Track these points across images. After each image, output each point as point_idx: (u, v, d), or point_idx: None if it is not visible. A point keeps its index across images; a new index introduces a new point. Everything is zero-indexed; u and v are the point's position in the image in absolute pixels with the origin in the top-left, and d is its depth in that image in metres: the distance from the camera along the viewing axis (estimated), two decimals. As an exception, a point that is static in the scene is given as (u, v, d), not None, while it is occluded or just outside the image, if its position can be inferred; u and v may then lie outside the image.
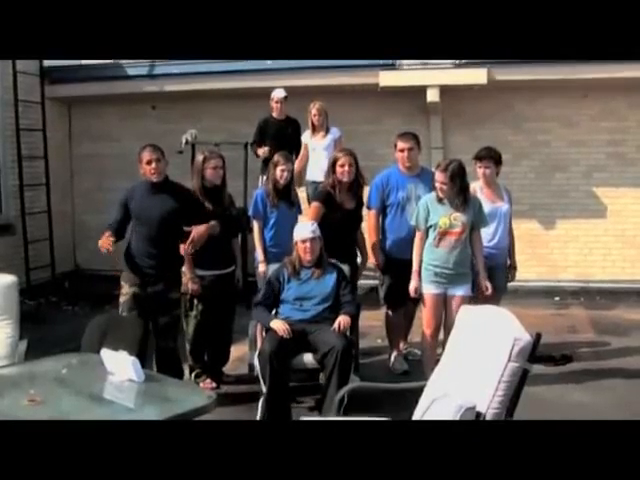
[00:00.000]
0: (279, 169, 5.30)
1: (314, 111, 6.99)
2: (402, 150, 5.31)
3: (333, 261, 4.78)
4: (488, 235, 5.13)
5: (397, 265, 5.19)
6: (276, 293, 4.64)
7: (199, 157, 5.09)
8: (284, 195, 5.36)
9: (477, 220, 4.81)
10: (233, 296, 5.24)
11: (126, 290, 4.63)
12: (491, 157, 5.24)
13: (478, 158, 5.25)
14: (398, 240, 5.27)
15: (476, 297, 4.84)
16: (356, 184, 5.22)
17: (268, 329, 4.48)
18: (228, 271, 5.14)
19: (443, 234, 4.73)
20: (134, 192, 4.69)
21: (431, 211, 4.78)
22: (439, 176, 4.71)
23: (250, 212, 5.48)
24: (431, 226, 4.77)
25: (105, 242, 4.36)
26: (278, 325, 4.39)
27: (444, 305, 4.83)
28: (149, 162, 4.58)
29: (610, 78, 7.23)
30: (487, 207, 5.07)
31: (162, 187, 4.65)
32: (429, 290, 4.82)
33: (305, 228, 4.72)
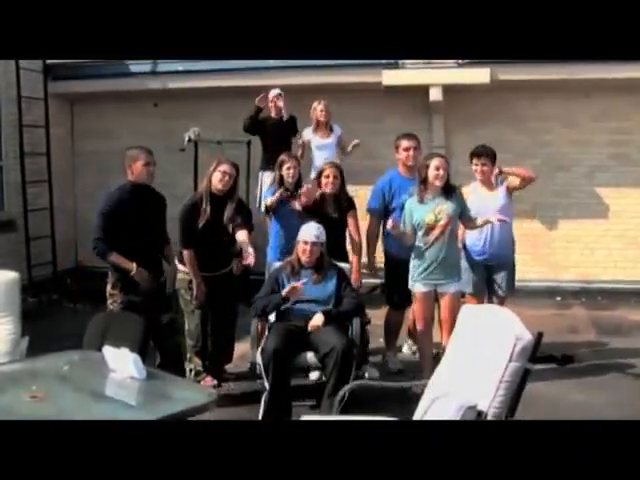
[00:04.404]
0: (285, 167, 5.33)
1: (321, 107, 6.89)
2: (407, 149, 5.34)
3: (334, 262, 4.80)
4: (486, 234, 5.14)
5: (399, 266, 5.19)
6: (275, 293, 4.63)
7: (214, 162, 5.08)
8: (292, 195, 5.36)
9: (463, 209, 4.86)
10: (234, 296, 5.24)
11: (121, 298, 4.60)
12: (488, 155, 5.26)
13: (476, 155, 5.27)
14: (398, 243, 5.28)
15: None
16: (341, 196, 5.31)
17: (271, 325, 4.49)
18: (224, 272, 5.13)
19: (431, 229, 4.78)
20: (123, 200, 4.61)
21: (414, 212, 4.83)
22: (440, 162, 4.76)
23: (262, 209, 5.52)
24: (418, 224, 4.82)
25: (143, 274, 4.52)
26: (290, 289, 4.46)
27: (435, 302, 4.92)
28: (147, 164, 4.62)
29: (612, 78, 7.22)
30: (482, 205, 5.12)
31: (149, 190, 4.74)
32: (418, 288, 4.88)
33: (311, 230, 4.71)
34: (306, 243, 4.64)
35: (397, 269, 5.28)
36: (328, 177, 5.26)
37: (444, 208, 4.75)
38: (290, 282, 4.60)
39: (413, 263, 4.88)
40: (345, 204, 5.36)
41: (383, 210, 5.41)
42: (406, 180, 5.32)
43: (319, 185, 5.29)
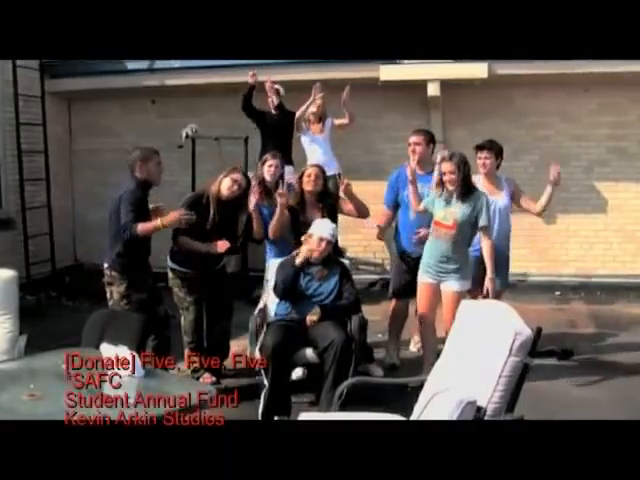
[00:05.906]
0: (267, 165, 5.37)
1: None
2: (410, 144, 5.36)
3: (339, 258, 4.82)
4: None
5: (406, 259, 5.40)
6: (296, 275, 4.62)
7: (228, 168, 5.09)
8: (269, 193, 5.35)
9: (477, 217, 4.76)
10: (227, 292, 5.24)
11: (136, 297, 4.63)
12: (492, 148, 5.29)
13: (479, 148, 5.31)
14: (406, 236, 5.40)
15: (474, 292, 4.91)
16: (323, 197, 5.22)
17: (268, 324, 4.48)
18: (216, 269, 5.15)
19: (436, 224, 4.83)
20: (142, 194, 4.68)
21: (435, 202, 4.87)
22: (446, 166, 4.73)
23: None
24: (432, 214, 4.89)
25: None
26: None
27: (437, 297, 4.90)
28: (159, 164, 4.74)
29: (611, 72, 7.20)
30: None
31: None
32: (421, 279, 4.93)
33: (327, 227, 4.74)
34: (322, 240, 4.65)
35: (403, 260, 5.46)
36: (309, 176, 5.16)
37: (454, 211, 4.75)
38: (300, 275, 4.63)
39: (423, 255, 4.96)
40: (331, 201, 5.28)
41: (393, 203, 5.51)
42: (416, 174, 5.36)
43: (300, 185, 5.21)
